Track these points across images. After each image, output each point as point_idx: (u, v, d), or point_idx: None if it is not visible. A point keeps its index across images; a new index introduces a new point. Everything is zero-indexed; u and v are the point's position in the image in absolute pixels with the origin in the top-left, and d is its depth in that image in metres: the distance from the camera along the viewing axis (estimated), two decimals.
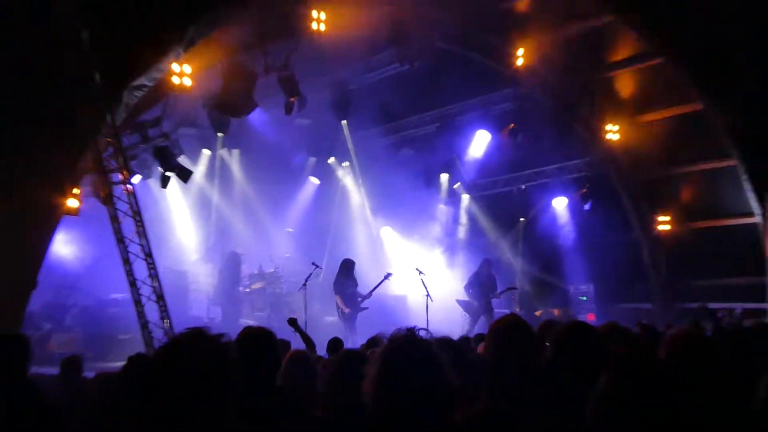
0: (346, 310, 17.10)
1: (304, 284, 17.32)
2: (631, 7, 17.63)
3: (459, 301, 18.65)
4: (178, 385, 2.74)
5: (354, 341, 14.85)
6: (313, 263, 18.26)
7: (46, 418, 5.43)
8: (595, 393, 2.14)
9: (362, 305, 17.43)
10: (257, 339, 4.37)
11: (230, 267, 20.27)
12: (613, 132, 20.67)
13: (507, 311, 18.39)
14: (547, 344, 4.01)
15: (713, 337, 8.18)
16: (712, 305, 18.80)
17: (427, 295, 17.38)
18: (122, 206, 13.21)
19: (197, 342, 2.85)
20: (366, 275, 19.02)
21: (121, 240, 13.12)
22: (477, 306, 18.14)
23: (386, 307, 19.87)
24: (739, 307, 18.76)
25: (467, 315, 18.48)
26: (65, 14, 12.24)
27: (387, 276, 18.09)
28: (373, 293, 18.13)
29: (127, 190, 13.33)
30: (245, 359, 4.24)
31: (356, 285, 17.60)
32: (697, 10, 17.00)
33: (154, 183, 18.64)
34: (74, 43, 12.37)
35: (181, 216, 21.74)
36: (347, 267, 17.76)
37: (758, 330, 5.68)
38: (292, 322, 10.25)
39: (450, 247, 23.88)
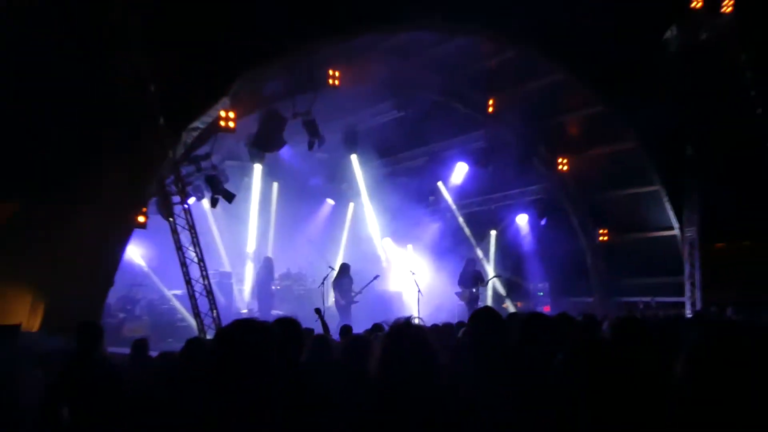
0: (342, 302, 17.17)
1: (322, 283, 17.38)
2: (579, 66, 17.75)
3: (457, 293, 18.58)
4: (235, 361, 2.79)
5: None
6: (329, 266, 18.32)
7: (114, 385, 5.44)
8: (556, 366, 2.15)
9: (354, 299, 17.50)
10: (287, 326, 4.36)
11: (265, 269, 20.24)
12: (563, 164, 20.71)
13: (481, 304, 18.39)
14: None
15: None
16: (640, 299, 18.92)
17: (418, 291, 17.42)
18: (180, 221, 13.24)
19: (250, 327, 2.90)
20: (369, 275, 19.03)
21: (179, 248, 13.16)
22: (467, 296, 18.13)
23: (386, 300, 19.90)
24: (652, 299, 18.82)
25: (463, 304, 18.45)
26: (137, 73, 12.31)
27: (375, 277, 18.18)
28: (375, 289, 18.18)
29: (184, 209, 13.36)
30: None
31: (352, 282, 17.66)
32: (630, 70, 17.14)
33: (205, 203, 18.65)
34: (144, 95, 12.42)
35: (226, 229, 21.72)
36: (345, 269, 17.92)
37: (676, 319, 5.71)
38: (318, 311, 10.36)
39: (437, 253, 23.85)
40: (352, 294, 17.53)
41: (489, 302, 21.26)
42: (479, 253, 23.26)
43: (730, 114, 18.08)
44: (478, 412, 3.17)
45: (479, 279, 18.52)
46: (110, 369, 5.63)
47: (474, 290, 18.20)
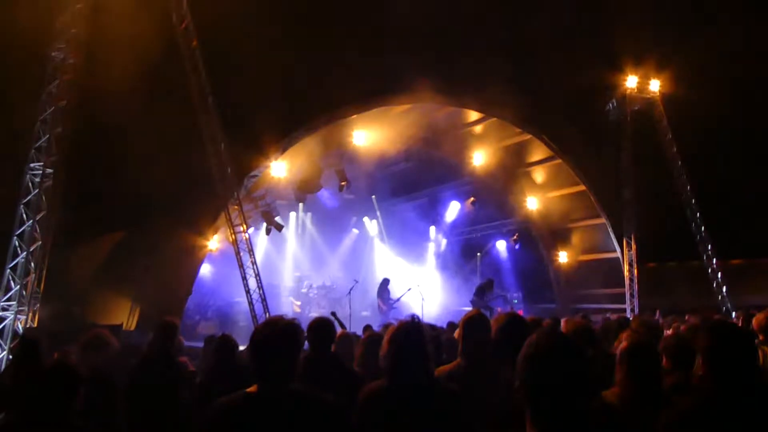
0: (384, 307, 16.95)
1: (349, 292, 17.20)
2: (541, 130, 17.80)
3: (471, 301, 18.20)
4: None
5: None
6: (354, 279, 18.16)
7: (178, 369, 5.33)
8: (523, 356, 2.07)
9: (393, 306, 17.29)
10: (322, 324, 4.31)
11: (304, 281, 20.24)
12: (531, 203, 20.64)
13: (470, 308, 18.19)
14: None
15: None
16: (591, 306, 18.75)
17: (422, 298, 17.28)
18: (242, 246, 13.23)
19: (280, 321, 2.83)
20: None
21: (240, 266, 13.12)
22: (480, 304, 17.77)
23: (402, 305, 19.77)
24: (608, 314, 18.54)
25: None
26: (214, 134, 12.42)
27: (409, 289, 17.95)
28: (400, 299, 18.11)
29: (245, 236, 13.36)
30: (315, 336, 4.21)
31: (389, 293, 17.47)
32: (580, 132, 17.20)
33: (261, 233, 18.63)
34: (217, 152, 12.52)
35: (277, 251, 21.64)
36: (385, 283, 17.73)
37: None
38: (333, 313, 10.38)
39: (436, 269, 23.68)
40: (390, 302, 17.35)
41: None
42: (468, 270, 23.07)
43: (657, 165, 18.15)
44: (466, 388, 3.11)
45: (505, 298, 18.35)
46: (177, 362, 5.48)
47: (485, 299, 17.95)
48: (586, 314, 17.58)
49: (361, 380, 4.00)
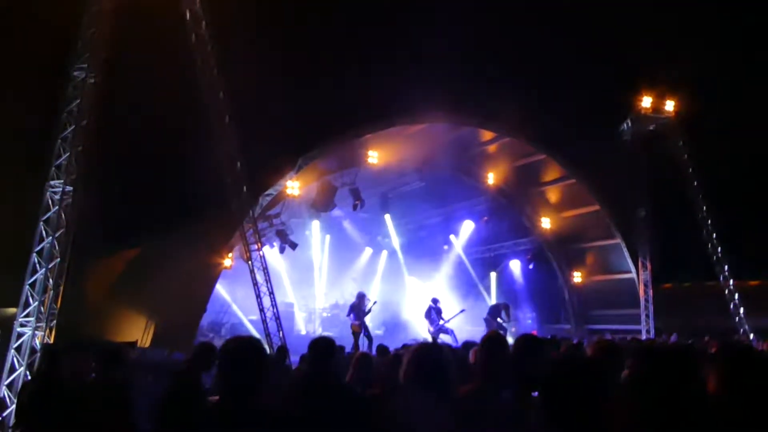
0: (431, 329, 16.70)
1: (368, 312, 17.05)
2: (556, 150, 17.82)
3: (485, 319, 18.07)
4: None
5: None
6: (373, 301, 17.86)
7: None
8: (546, 376, 2.09)
9: (442, 327, 16.77)
10: (321, 342, 4.27)
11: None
12: (545, 222, 20.58)
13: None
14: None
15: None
16: (605, 327, 18.60)
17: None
18: (256, 264, 13.29)
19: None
20: (398, 305, 18.74)
21: (255, 284, 13.17)
22: (493, 324, 17.59)
23: (411, 325, 19.68)
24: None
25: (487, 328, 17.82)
26: (229, 153, 12.54)
27: (462, 311, 17.59)
28: (401, 317, 17.83)
29: (259, 254, 13.42)
30: (313, 353, 4.17)
31: (441, 312, 17.04)
32: (594, 152, 17.19)
33: (276, 250, 18.69)
34: (233, 172, 12.63)
35: (291, 270, 21.65)
36: (434, 302, 17.20)
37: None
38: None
39: (450, 288, 23.54)
40: (440, 322, 16.82)
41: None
42: (482, 290, 22.98)
43: (672, 185, 18.08)
44: (487, 409, 3.12)
45: (505, 312, 18.18)
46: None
47: (499, 320, 17.80)
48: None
49: (358, 396, 4.01)
